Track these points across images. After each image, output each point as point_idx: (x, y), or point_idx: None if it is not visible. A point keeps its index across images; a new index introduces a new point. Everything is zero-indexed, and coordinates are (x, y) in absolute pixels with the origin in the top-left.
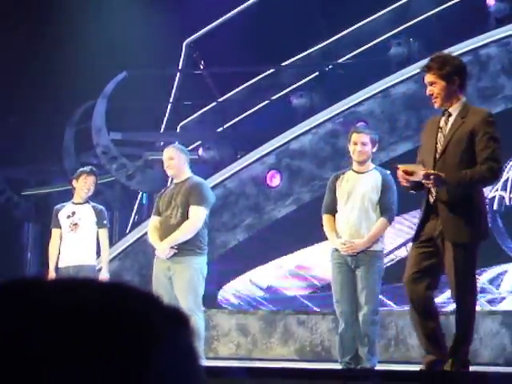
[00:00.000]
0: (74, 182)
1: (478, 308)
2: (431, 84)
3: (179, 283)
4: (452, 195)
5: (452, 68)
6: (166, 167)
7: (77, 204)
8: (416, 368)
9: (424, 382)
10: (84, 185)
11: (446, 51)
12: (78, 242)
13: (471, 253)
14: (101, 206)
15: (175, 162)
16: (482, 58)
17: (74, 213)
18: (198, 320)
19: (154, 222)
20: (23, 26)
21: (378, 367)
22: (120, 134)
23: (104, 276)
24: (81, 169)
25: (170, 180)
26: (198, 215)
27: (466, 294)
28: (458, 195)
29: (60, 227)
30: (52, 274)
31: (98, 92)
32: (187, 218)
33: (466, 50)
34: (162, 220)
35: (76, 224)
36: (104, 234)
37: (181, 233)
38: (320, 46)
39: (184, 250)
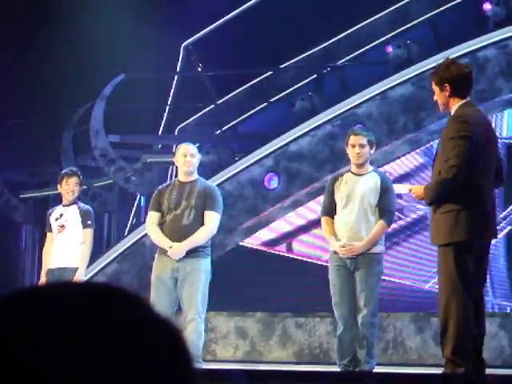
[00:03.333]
0: (59, 187)
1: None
2: (433, 90)
3: (191, 285)
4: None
5: (441, 76)
6: (182, 163)
7: (65, 206)
8: (414, 370)
9: None
10: (68, 187)
11: (443, 54)
12: (63, 244)
13: (450, 254)
14: (87, 207)
15: (196, 160)
16: (479, 61)
17: (61, 215)
18: (201, 323)
19: (154, 217)
20: (22, 27)
21: (377, 370)
22: (118, 137)
23: (79, 277)
24: (62, 172)
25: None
26: (215, 222)
27: (444, 295)
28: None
29: (52, 230)
30: (43, 278)
31: (97, 94)
32: (200, 221)
33: (463, 52)
34: (169, 218)
35: (63, 226)
36: (87, 234)
37: (199, 237)
38: (318, 48)
39: (195, 251)
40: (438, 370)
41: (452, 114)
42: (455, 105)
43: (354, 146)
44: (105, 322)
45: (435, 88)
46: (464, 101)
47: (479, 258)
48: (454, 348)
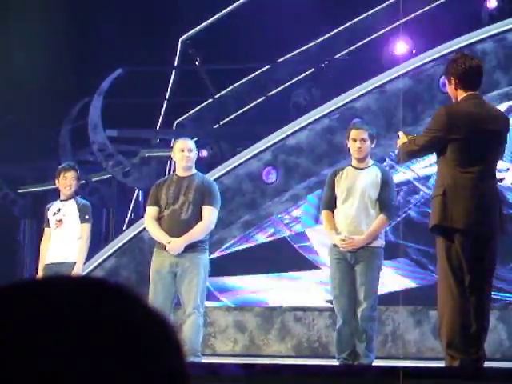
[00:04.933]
0: (57, 182)
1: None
2: None
3: (190, 280)
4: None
5: (447, 69)
6: (180, 158)
7: (63, 201)
8: (413, 364)
9: (420, 378)
10: (65, 181)
11: (441, 46)
12: (61, 239)
13: (438, 241)
14: (84, 201)
15: (193, 154)
16: (477, 54)
17: (59, 210)
18: (200, 318)
19: (152, 212)
20: (20, 24)
21: (375, 363)
22: (116, 131)
23: (76, 272)
24: (59, 166)
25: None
26: (213, 217)
27: (438, 286)
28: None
29: (50, 225)
30: (40, 274)
31: (94, 89)
32: (198, 216)
33: (461, 45)
34: (167, 213)
35: (60, 220)
36: (85, 228)
37: (197, 233)
38: (316, 41)
39: (193, 246)
40: (437, 364)
41: None
42: (460, 97)
43: (355, 140)
44: (98, 318)
45: (446, 81)
46: (466, 94)
47: (474, 249)
48: (447, 341)
